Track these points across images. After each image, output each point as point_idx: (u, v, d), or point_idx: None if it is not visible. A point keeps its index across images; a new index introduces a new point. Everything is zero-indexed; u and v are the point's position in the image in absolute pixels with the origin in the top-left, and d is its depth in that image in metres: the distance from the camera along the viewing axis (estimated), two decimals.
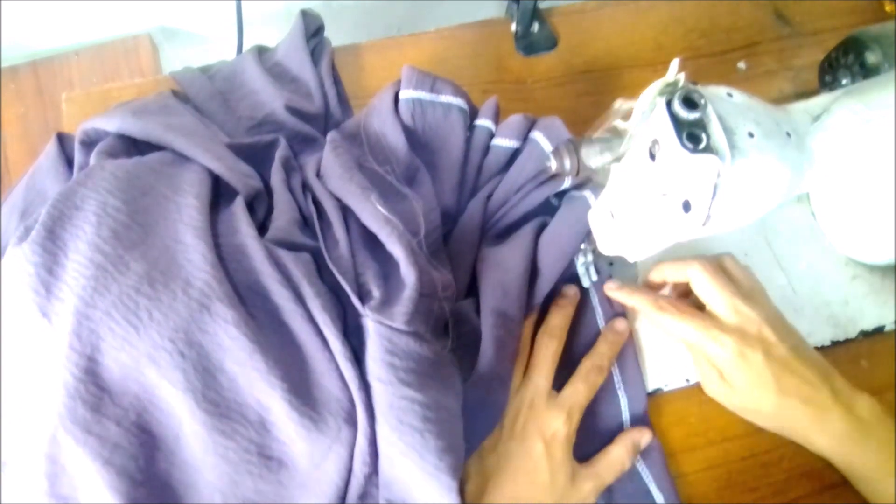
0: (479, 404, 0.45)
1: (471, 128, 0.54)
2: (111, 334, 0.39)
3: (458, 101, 0.53)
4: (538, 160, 0.52)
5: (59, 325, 0.39)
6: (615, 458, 0.47)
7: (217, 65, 0.60)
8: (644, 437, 0.48)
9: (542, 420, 0.45)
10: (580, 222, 0.50)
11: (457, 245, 0.52)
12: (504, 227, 0.53)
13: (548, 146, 0.52)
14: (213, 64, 0.60)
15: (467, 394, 0.45)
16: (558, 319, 0.49)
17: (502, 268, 0.49)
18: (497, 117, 0.54)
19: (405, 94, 0.53)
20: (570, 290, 0.52)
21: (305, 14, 0.61)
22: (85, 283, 0.39)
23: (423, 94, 0.53)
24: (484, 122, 0.54)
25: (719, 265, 0.48)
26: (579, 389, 0.47)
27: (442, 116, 0.53)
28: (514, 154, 0.53)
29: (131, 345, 0.39)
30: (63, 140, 0.54)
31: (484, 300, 0.48)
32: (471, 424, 0.44)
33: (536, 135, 0.53)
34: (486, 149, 0.54)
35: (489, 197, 0.53)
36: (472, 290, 0.51)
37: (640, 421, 0.50)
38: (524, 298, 0.48)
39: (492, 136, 0.54)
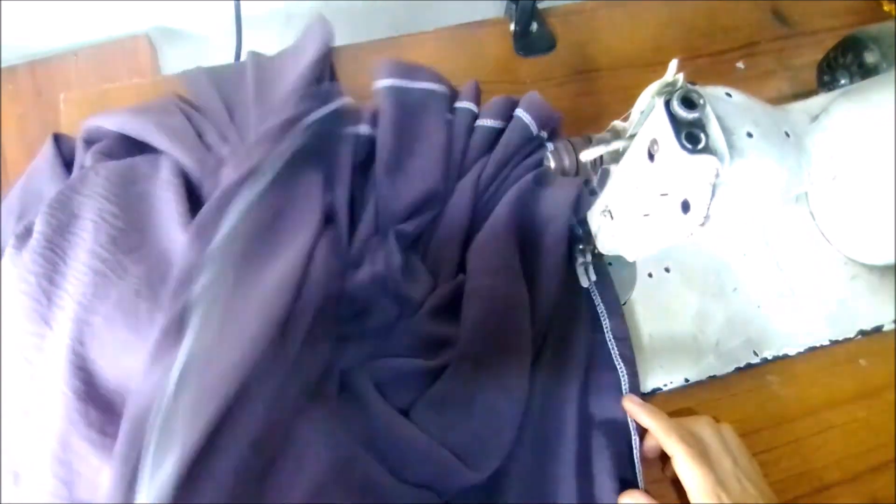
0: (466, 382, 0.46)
1: (453, 111, 0.55)
2: (112, 338, 0.39)
3: (435, 86, 0.54)
4: (522, 133, 0.53)
5: (59, 331, 0.39)
6: None
7: (223, 70, 0.59)
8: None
9: None
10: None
11: (446, 225, 0.52)
12: (496, 203, 0.53)
13: (528, 119, 0.53)
14: (220, 67, 0.60)
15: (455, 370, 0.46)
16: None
17: (481, 244, 0.50)
18: (478, 98, 0.56)
19: (381, 83, 0.53)
20: None
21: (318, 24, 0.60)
22: (84, 290, 0.40)
23: (399, 81, 0.54)
24: (465, 104, 0.55)
25: (701, 443, 0.45)
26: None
27: (420, 101, 0.54)
28: (500, 135, 0.54)
29: (133, 349, 0.39)
30: (59, 141, 0.54)
31: (469, 281, 0.49)
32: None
33: (519, 111, 0.54)
34: (471, 130, 0.55)
35: (479, 177, 0.54)
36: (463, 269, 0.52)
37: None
38: (513, 250, 0.49)
39: (475, 117, 0.55)
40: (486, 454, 0.45)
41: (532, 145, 0.54)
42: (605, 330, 0.51)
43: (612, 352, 0.51)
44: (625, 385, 0.50)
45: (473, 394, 0.45)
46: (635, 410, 0.48)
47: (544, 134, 0.55)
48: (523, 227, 0.51)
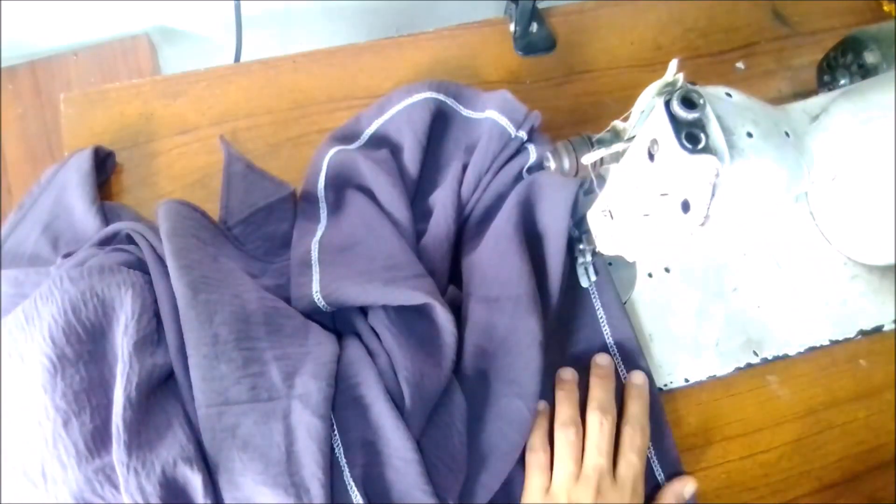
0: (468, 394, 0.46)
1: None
2: None
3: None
4: (500, 138, 0.53)
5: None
6: None
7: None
8: (687, 486, 0.48)
9: (612, 502, 0.44)
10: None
11: (432, 239, 0.51)
12: (483, 209, 0.53)
13: (504, 121, 0.53)
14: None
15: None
16: (603, 393, 0.47)
17: (477, 261, 0.50)
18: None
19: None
20: (604, 360, 0.50)
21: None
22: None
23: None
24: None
25: None
26: (633, 461, 0.45)
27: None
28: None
29: None
30: (97, 152, 0.54)
31: (468, 295, 0.49)
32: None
33: (492, 113, 0.54)
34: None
35: (459, 185, 0.53)
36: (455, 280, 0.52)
37: (674, 474, 0.49)
38: (518, 273, 0.48)
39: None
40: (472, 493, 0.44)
41: (511, 148, 0.53)
42: (605, 335, 0.51)
43: (614, 357, 0.51)
44: (656, 466, 0.49)
45: (472, 418, 0.45)
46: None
47: (523, 134, 0.54)
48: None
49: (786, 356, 0.53)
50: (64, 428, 0.38)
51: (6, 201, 0.78)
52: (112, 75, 0.83)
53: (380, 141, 0.57)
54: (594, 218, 0.48)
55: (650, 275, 0.53)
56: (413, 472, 0.41)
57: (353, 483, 0.40)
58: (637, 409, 0.48)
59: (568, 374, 0.49)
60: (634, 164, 0.42)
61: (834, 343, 0.53)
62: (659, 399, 0.50)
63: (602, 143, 0.45)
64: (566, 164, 0.47)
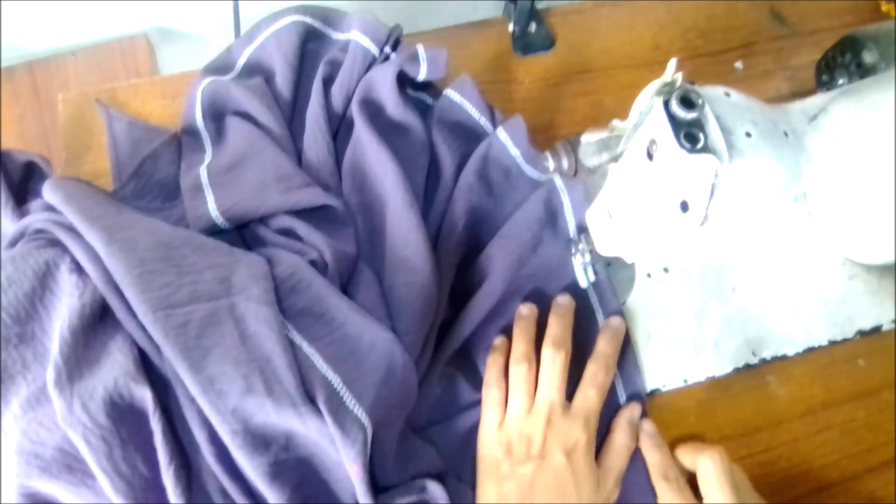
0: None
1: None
2: None
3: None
4: (364, 59, 0.54)
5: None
6: (620, 445, 0.47)
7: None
8: (635, 411, 0.49)
9: (561, 434, 0.44)
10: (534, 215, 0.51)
11: (314, 154, 0.52)
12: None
13: (367, 42, 0.54)
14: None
15: None
16: (558, 329, 0.48)
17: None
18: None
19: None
20: (564, 300, 0.51)
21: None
22: None
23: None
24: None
25: (731, 468, 0.46)
26: (590, 395, 0.47)
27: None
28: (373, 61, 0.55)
29: None
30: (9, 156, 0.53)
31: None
32: None
33: (355, 34, 0.55)
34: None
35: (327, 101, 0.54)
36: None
37: (636, 398, 0.50)
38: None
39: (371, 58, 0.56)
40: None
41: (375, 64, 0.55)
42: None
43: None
44: (620, 388, 0.50)
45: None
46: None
47: (388, 50, 0.54)
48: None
49: (784, 356, 0.53)
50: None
51: None
52: (111, 76, 0.84)
53: (252, 69, 0.57)
54: (593, 218, 0.48)
55: (649, 275, 0.53)
56: (374, 321, 0.44)
57: (314, 352, 0.42)
58: (607, 348, 0.49)
59: (525, 310, 0.50)
60: (633, 164, 0.42)
61: (832, 343, 0.53)
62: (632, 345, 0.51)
63: (600, 141, 0.45)
64: (565, 164, 0.47)
